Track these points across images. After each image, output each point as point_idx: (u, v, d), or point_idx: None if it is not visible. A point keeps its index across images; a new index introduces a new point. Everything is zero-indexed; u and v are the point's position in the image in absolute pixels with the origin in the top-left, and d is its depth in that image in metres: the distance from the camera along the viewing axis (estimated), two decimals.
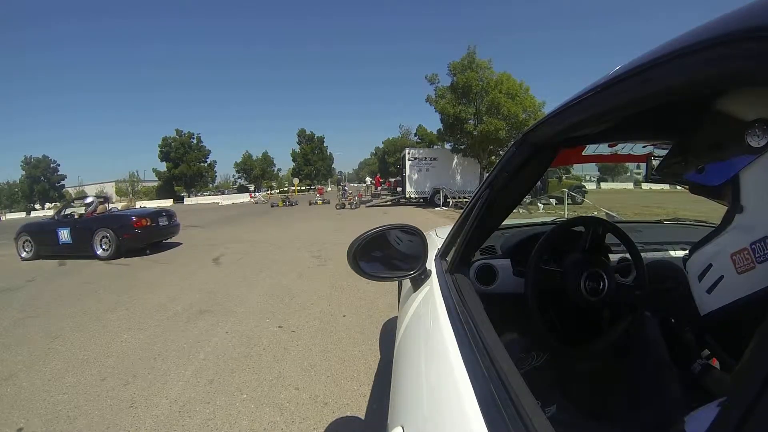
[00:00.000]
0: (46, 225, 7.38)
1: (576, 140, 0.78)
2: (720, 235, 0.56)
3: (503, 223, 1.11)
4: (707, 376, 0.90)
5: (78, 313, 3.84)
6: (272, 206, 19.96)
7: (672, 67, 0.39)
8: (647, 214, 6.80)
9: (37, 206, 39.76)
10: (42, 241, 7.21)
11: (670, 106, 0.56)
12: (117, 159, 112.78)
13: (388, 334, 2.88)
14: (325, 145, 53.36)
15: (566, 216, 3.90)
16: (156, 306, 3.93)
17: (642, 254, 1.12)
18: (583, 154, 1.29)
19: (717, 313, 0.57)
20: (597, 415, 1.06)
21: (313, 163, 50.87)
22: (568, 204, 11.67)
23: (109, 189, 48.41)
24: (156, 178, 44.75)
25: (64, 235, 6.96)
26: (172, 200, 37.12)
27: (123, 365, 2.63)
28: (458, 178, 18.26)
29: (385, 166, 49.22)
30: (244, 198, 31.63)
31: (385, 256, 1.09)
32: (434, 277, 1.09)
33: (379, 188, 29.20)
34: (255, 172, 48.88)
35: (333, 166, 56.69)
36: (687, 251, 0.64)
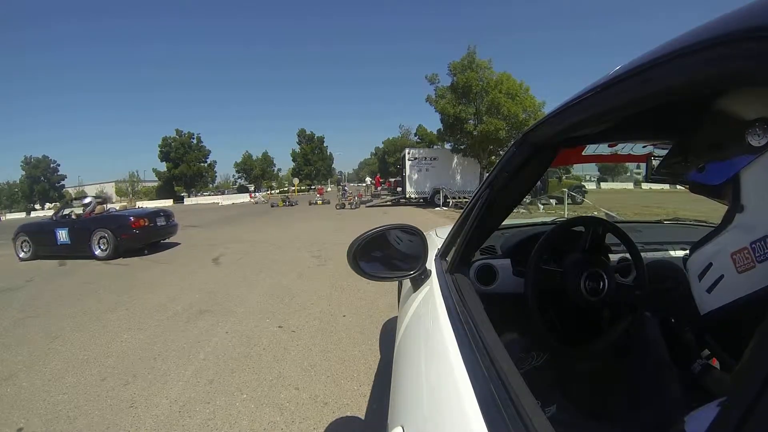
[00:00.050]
0: (45, 225, 7.38)
1: (576, 140, 0.78)
2: (720, 234, 0.56)
3: (503, 223, 1.11)
4: (707, 376, 0.90)
5: (78, 313, 3.84)
6: (272, 206, 19.96)
7: (672, 67, 0.39)
8: (647, 214, 6.79)
9: (37, 206, 39.75)
10: (40, 241, 7.22)
11: (670, 106, 0.55)
12: (117, 159, 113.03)
13: (388, 334, 2.88)
14: (325, 145, 53.42)
15: (566, 216, 3.90)
16: (156, 306, 3.93)
17: (642, 254, 1.12)
18: (583, 154, 1.29)
19: (717, 313, 0.57)
20: (597, 415, 1.06)
21: (313, 163, 50.88)
22: (568, 204, 11.67)
23: (109, 189, 48.46)
24: (156, 178, 44.80)
25: (63, 235, 6.97)
26: (172, 200, 37.13)
27: (123, 365, 2.63)
28: (458, 178, 18.25)
29: (385, 166, 49.23)
30: (244, 198, 31.63)
31: (385, 256, 1.09)
32: (434, 277, 1.09)
33: (379, 188, 29.19)
34: (255, 172, 48.89)
35: (333, 166, 56.77)
36: (687, 251, 0.64)
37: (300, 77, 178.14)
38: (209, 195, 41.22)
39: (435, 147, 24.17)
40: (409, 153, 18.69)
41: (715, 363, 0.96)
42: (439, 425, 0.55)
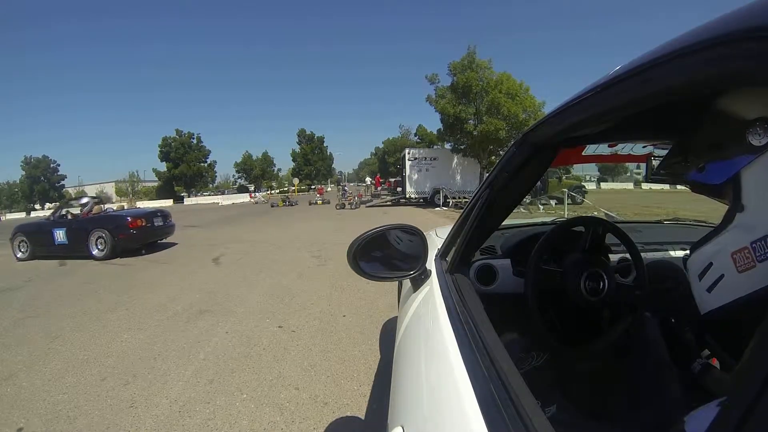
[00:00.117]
0: (42, 225, 7.39)
1: (576, 140, 0.78)
2: (721, 233, 0.56)
3: (503, 223, 1.11)
4: (707, 376, 0.90)
5: (78, 313, 3.84)
6: (272, 206, 19.96)
7: (672, 67, 0.39)
8: (647, 214, 6.79)
9: (37, 206, 39.76)
10: (38, 241, 7.23)
11: (670, 106, 0.55)
12: (117, 159, 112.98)
13: (388, 334, 2.88)
14: (325, 145, 53.42)
15: (566, 216, 3.90)
16: (156, 306, 3.93)
17: (642, 254, 1.12)
18: (583, 154, 1.29)
19: (717, 312, 0.57)
20: (597, 415, 1.06)
21: (313, 163, 50.88)
22: (568, 204, 11.67)
23: (109, 189, 48.48)
24: (156, 178, 44.78)
25: (60, 235, 6.98)
26: (172, 200, 37.13)
27: (123, 365, 2.63)
28: (458, 178, 18.25)
29: (385, 166, 49.21)
30: (244, 198, 31.64)
31: (385, 256, 1.09)
32: (434, 277, 1.09)
33: (379, 188, 29.20)
34: (255, 172, 48.90)
35: (333, 166, 56.78)
36: (687, 251, 0.64)
37: (300, 77, 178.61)
38: (209, 195, 41.23)
39: (435, 147, 24.18)
40: (409, 153, 18.69)
41: (715, 363, 0.96)
42: (439, 425, 0.55)
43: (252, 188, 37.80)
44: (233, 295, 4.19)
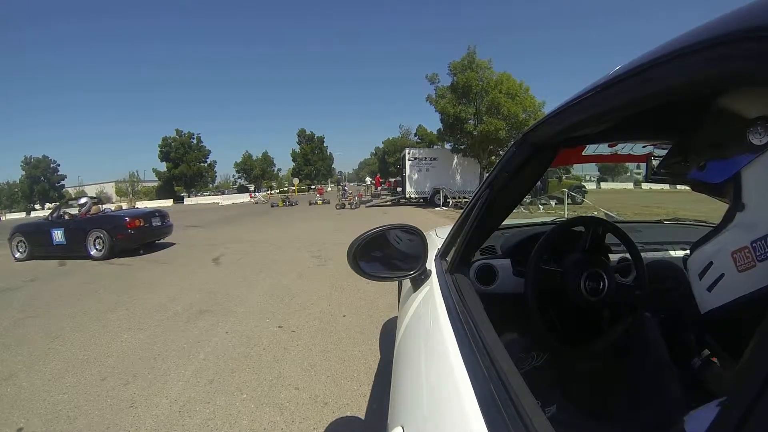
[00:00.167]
0: (40, 226, 7.40)
1: (576, 140, 0.78)
2: (721, 233, 0.56)
3: (503, 223, 1.11)
4: (707, 372, 0.90)
5: (78, 313, 3.84)
6: (272, 206, 19.96)
7: (672, 67, 0.39)
8: (647, 214, 6.79)
9: (37, 206, 39.73)
10: (36, 241, 7.24)
11: (670, 106, 0.55)
12: (117, 159, 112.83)
13: (388, 334, 2.88)
14: (325, 145, 53.43)
15: (566, 216, 3.90)
16: (156, 306, 3.93)
17: (642, 254, 1.12)
18: (583, 154, 1.29)
19: (717, 312, 0.57)
20: (597, 415, 1.06)
21: (313, 163, 50.89)
22: (568, 204, 11.67)
23: (109, 189, 48.50)
24: (156, 178, 44.78)
25: (58, 235, 6.99)
26: (172, 200, 37.13)
27: (123, 365, 2.63)
28: (458, 178, 18.25)
29: (385, 166, 49.22)
30: (244, 198, 31.64)
31: (385, 256, 1.09)
32: (434, 277, 1.09)
33: (379, 188, 29.20)
34: (255, 172, 48.90)
35: (333, 166, 56.78)
36: (687, 251, 0.64)
37: (300, 77, 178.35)
38: (209, 195, 41.23)
39: (435, 147, 24.18)
40: (409, 153, 18.69)
41: (715, 361, 0.96)
42: (439, 425, 0.55)
43: (252, 188, 37.79)
44: (233, 295, 4.19)
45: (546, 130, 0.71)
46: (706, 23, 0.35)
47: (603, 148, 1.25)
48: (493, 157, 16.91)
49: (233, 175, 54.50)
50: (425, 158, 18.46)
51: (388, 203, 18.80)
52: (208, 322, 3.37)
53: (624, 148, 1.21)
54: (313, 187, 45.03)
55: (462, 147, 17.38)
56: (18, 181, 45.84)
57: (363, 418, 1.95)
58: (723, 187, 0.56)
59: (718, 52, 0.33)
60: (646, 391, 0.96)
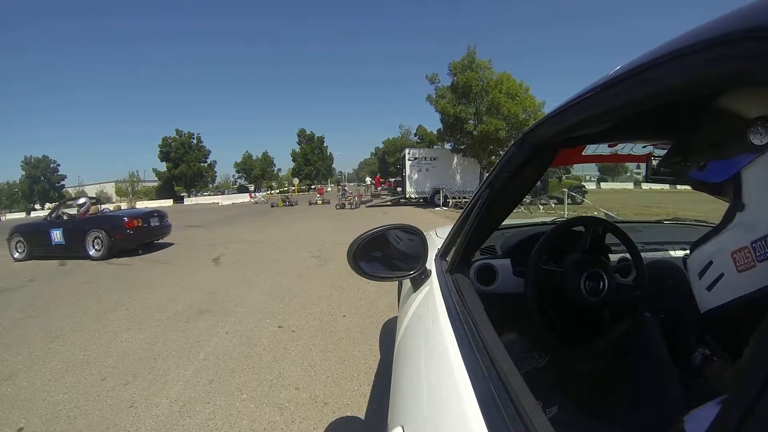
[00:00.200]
0: (39, 226, 7.42)
1: (576, 140, 0.78)
2: (721, 232, 0.56)
3: (503, 223, 1.11)
4: (707, 368, 0.90)
5: (78, 313, 3.84)
6: (272, 206, 19.97)
7: (672, 67, 0.39)
8: (647, 214, 6.80)
9: (37, 206, 39.74)
10: (35, 241, 7.25)
11: (670, 106, 0.55)
12: (117, 159, 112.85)
13: (388, 334, 2.88)
14: (325, 145, 53.43)
15: (566, 216, 3.90)
16: (156, 306, 3.93)
17: (642, 254, 1.12)
18: (583, 154, 1.29)
19: (717, 311, 0.57)
20: (597, 415, 1.06)
21: (313, 163, 50.89)
22: (568, 204, 11.68)
23: (109, 189, 48.51)
24: (156, 178, 44.77)
25: (57, 235, 7.00)
26: (172, 200, 37.14)
27: (123, 365, 2.63)
28: (458, 178, 18.25)
29: (385, 166, 49.21)
30: (244, 198, 31.64)
31: (385, 256, 1.09)
32: (434, 277, 1.09)
33: (379, 188, 29.20)
34: (255, 172, 48.90)
35: (333, 166, 56.79)
36: (687, 251, 0.65)
37: (300, 77, 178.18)
38: (209, 195, 41.23)
39: (435, 147, 24.18)
40: (409, 153, 18.69)
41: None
42: (439, 425, 0.55)
43: (252, 188, 37.80)
44: (233, 295, 4.19)
45: (546, 130, 0.71)
46: (706, 23, 0.35)
47: (603, 148, 1.25)
48: (493, 157, 16.90)
49: (233, 175, 54.58)
50: (425, 158, 18.46)
51: (388, 203, 18.80)
52: (208, 322, 3.37)
53: (624, 148, 1.21)
54: (313, 187, 45.04)
55: (462, 147, 17.38)
56: (18, 181, 45.85)
57: (363, 418, 1.95)
58: (723, 186, 0.56)
59: (718, 52, 0.33)
60: (646, 391, 0.96)
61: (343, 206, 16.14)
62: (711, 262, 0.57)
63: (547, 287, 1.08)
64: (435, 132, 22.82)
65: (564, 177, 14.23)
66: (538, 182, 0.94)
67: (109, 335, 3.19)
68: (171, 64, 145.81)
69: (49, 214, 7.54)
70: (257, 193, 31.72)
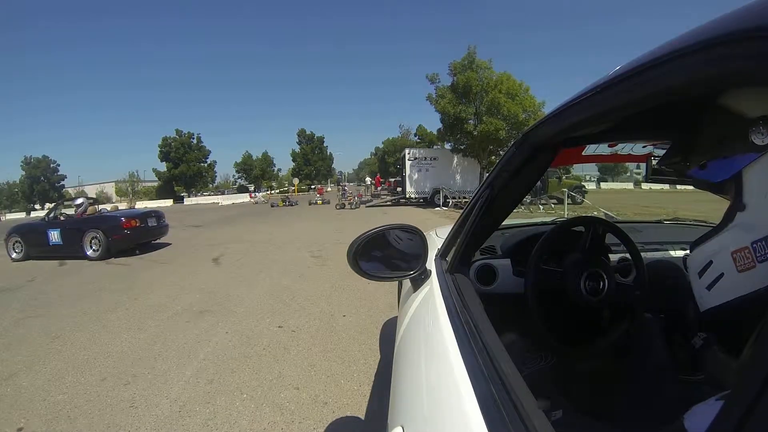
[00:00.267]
0: (37, 226, 7.43)
1: (576, 140, 0.78)
2: (721, 232, 0.56)
3: (503, 223, 1.11)
4: (707, 352, 0.89)
5: (78, 313, 3.84)
6: (272, 206, 19.96)
7: (672, 67, 0.39)
8: (647, 214, 6.80)
9: (37, 206, 39.72)
10: (32, 242, 7.26)
11: (671, 106, 0.55)
12: (117, 159, 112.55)
13: (388, 334, 2.88)
14: (325, 145, 53.39)
15: (566, 216, 3.90)
16: (156, 306, 3.93)
17: (642, 254, 1.12)
18: (583, 154, 1.29)
19: (716, 310, 0.57)
20: (597, 415, 1.06)
21: (313, 163, 50.88)
22: (568, 204, 11.68)
23: (109, 189, 48.46)
24: (156, 178, 44.74)
25: (55, 236, 7.01)
26: (172, 200, 37.13)
27: (123, 365, 2.63)
28: (458, 178, 18.24)
29: (385, 166, 49.15)
30: (244, 198, 31.63)
31: (385, 256, 1.09)
32: (434, 277, 1.09)
33: (379, 188, 29.21)
34: (255, 172, 48.85)
35: (333, 166, 56.74)
36: (687, 251, 0.65)
37: (300, 77, 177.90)
38: (209, 195, 41.20)
39: (435, 147, 24.14)
40: (409, 153, 18.68)
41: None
42: (439, 425, 0.55)
43: (252, 188, 37.80)
44: (233, 295, 4.19)
45: (546, 130, 0.71)
46: (706, 23, 0.35)
47: (603, 148, 1.25)
48: (493, 157, 16.90)
49: (233, 175, 54.50)
50: (425, 158, 18.45)
51: (388, 203, 18.79)
52: (208, 322, 3.37)
53: (624, 148, 1.21)
54: (313, 187, 45.03)
55: (462, 147, 17.36)
56: (18, 181, 45.82)
57: (363, 418, 1.95)
58: (724, 185, 0.56)
59: (718, 52, 0.33)
60: (646, 391, 0.96)
61: (343, 206, 16.14)
62: (711, 262, 0.57)
63: (547, 287, 1.08)
64: (435, 132, 22.83)
65: (564, 177, 14.24)
66: (538, 182, 0.94)
67: (110, 335, 3.19)
68: (171, 64, 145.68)
69: (47, 214, 7.56)
70: (257, 193, 31.71)
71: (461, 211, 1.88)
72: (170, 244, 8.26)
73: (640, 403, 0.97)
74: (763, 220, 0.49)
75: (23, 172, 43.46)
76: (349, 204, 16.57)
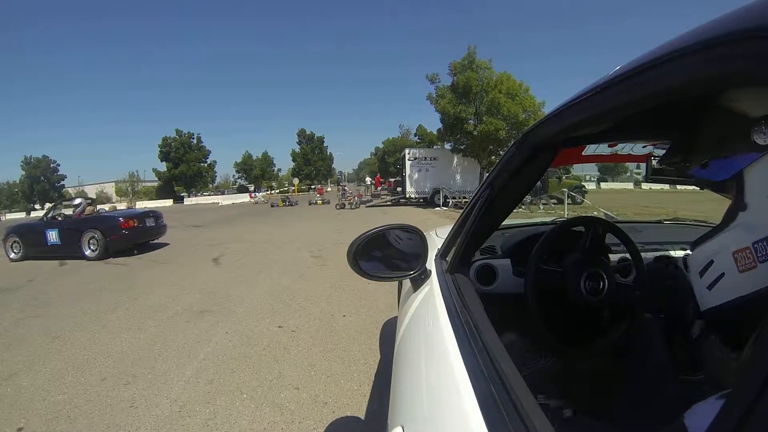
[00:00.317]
0: (35, 226, 7.44)
1: (576, 140, 0.78)
2: (722, 232, 0.56)
3: (503, 223, 1.11)
4: (707, 352, 0.89)
5: (78, 313, 3.84)
6: (272, 206, 19.96)
7: (672, 67, 0.39)
8: (647, 214, 6.80)
9: (37, 206, 39.70)
10: (30, 242, 7.27)
11: (671, 106, 0.55)
12: (117, 159, 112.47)
13: (388, 334, 2.88)
14: (325, 145, 53.37)
15: (566, 216, 3.90)
16: (156, 306, 3.93)
17: (642, 254, 1.12)
18: (583, 154, 1.29)
19: (717, 310, 0.57)
20: (597, 415, 1.06)
21: (313, 163, 50.86)
22: (568, 204, 11.68)
23: (109, 189, 48.45)
24: (156, 178, 44.73)
25: (53, 236, 7.02)
26: (172, 200, 37.12)
27: (123, 365, 2.63)
28: (458, 178, 18.24)
29: (385, 166, 49.12)
30: (244, 198, 31.63)
31: (385, 256, 1.09)
32: (434, 277, 1.09)
33: (379, 188, 29.20)
34: (255, 172, 48.83)
35: (333, 166, 56.71)
36: (687, 251, 0.65)
37: (300, 77, 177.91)
38: (209, 195, 41.19)
39: (435, 147, 24.14)
40: (409, 153, 18.68)
41: None
42: (439, 425, 0.55)
43: (252, 188, 37.79)
44: (233, 295, 4.19)
45: (546, 130, 0.71)
46: (706, 23, 0.35)
47: (603, 148, 1.25)
48: (493, 157, 16.89)
49: (233, 175, 54.46)
50: (425, 158, 18.45)
51: (388, 203, 18.79)
52: (208, 322, 3.37)
53: (624, 148, 1.21)
54: (313, 187, 45.01)
55: (462, 147, 17.36)
56: (18, 181, 45.81)
57: (363, 418, 1.95)
58: (725, 185, 0.56)
59: (718, 52, 0.33)
60: (646, 391, 0.96)
61: (343, 206, 16.14)
62: (712, 262, 0.57)
63: (547, 287, 1.08)
64: (435, 132, 22.81)
65: (564, 177, 14.25)
66: (538, 182, 0.94)
67: (110, 335, 3.19)
68: (171, 64, 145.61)
69: (45, 214, 7.56)
70: (257, 193, 31.71)
71: (461, 211, 1.89)
72: (168, 244, 8.26)
73: (640, 403, 0.97)
74: (765, 220, 0.49)
75: (23, 172, 43.45)
76: (349, 204, 16.56)
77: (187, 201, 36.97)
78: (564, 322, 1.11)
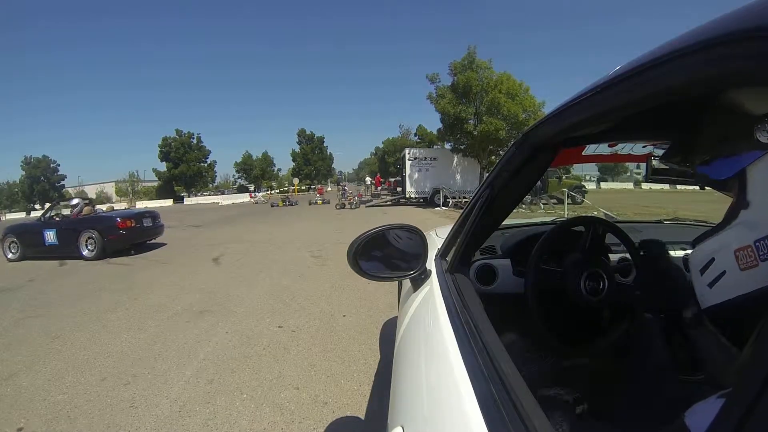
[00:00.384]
0: (33, 226, 7.46)
1: (576, 140, 0.78)
2: (724, 230, 0.56)
3: (503, 223, 1.11)
4: (705, 340, 0.89)
5: (78, 313, 3.84)
6: (272, 206, 19.96)
7: (672, 67, 0.39)
8: (647, 214, 6.80)
9: (37, 206, 39.67)
10: (28, 242, 7.28)
11: (671, 106, 0.55)
12: (117, 159, 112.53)
13: (388, 334, 2.88)
14: (325, 145, 53.35)
15: (566, 216, 3.90)
16: (156, 306, 3.93)
17: (641, 253, 1.12)
18: (583, 154, 1.29)
19: (717, 308, 0.57)
20: (597, 415, 1.06)
21: (313, 163, 50.85)
22: (568, 204, 11.68)
23: (109, 189, 48.45)
24: (156, 178, 44.72)
25: (51, 236, 7.04)
26: (172, 200, 37.12)
27: (123, 365, 2.63)
28: (458, 178, 18.24)
29: (385, 166, 49.11)
30: (244, 198, 31.63)
31: (385, 256, 1.09)
32: (434, 277, 1.09)
33: (379, 188, 29.21)
34: (255, 172, 48.82)
35: (333, 166, 56.70)
36: (687, 251, 0.65)
37: (300, 77, 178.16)
38: (209, 195, 41.19)
39: (435, 147, 24.13)
40: (409, 153, 18.68)
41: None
42: (439, 425, 0.55)
43: (252, 188, 37.80)
44: (233, 295, 4.19)
45: (546, 130, 0.71)
46: (706, 23, 0.35)
47: (603, 148, 1.25)
48: (493, 157, 16.89)
49: (233, 175, 54.46)
50: (425, 158, 18.45)
51: (388, 203, 18.79)
52: (208, 322, 3.37)
53: (624, 148, 1.21)
54: (313, 187, 45.01)
55: (462, 147, 17.36)
56: (18, 181, 45.79)
57: (363, 418, 1.95)
58: (727, 183, 0.56)
59: (718, 52, 0.33)
60: (646, 391, 0.96)
61: (343, 206, 16.14)
62: (713, 260, 0.57)
63: (547, 287, 1.08)
64: (435, 132, 22.80)
65: (564, 177, 14.26)
66: (538, 182, 0.94)
67: (110, 335, 3.19)
68: (171, 64, 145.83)
69: (43, 214, 7.57)
70: (257, 193, 31.71)
71: (461, 211, 1.89)
72: (166, 243, 8.26)
73: (640, 403, 0.97)
74: (767, 219, 0.49)
75: (23, 172, 43.42)
76: (349, 204, 16.56)
77: (187, 201, 36.96)
78: (564, 322, 1.11)
